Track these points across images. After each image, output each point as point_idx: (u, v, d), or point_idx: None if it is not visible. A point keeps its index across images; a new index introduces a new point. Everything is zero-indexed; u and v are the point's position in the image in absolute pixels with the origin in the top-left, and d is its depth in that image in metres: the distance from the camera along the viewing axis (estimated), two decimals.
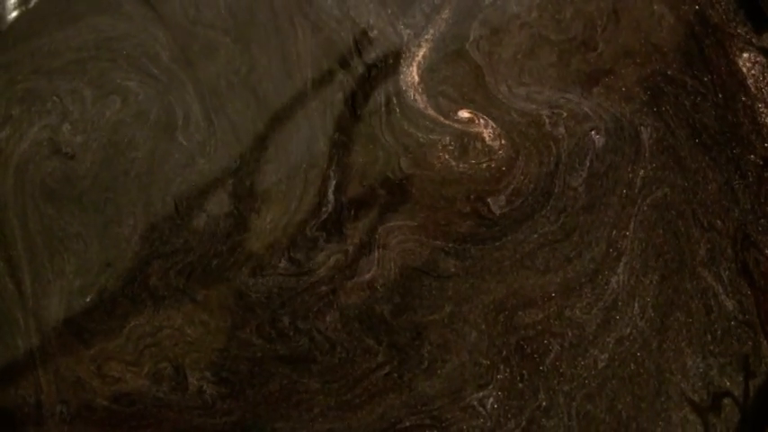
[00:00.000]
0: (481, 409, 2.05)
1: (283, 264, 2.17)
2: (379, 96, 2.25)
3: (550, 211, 2.15)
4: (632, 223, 2.14)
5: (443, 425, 2.05)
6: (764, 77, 2.18)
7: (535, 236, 2.16)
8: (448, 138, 2.23)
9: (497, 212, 2.16)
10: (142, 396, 2.10)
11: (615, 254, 2.13)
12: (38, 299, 2.14)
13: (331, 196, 2.20)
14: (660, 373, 2.04)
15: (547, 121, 2.23)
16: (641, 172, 2.18)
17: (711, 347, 2.05)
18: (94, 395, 2.10)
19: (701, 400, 2.01)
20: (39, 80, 2.27)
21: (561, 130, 2.22)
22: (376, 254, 2.16)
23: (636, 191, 2.17)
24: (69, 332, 2.13)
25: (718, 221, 2.12)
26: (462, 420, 2.05)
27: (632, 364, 2.05)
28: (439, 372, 2.10)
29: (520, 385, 2.07)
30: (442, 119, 2.23)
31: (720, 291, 2.07)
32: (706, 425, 2.00)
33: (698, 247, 2.12)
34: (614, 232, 2.14)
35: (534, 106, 2.24)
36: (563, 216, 2.15)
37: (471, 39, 2.28)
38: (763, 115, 2.15)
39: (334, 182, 2.21)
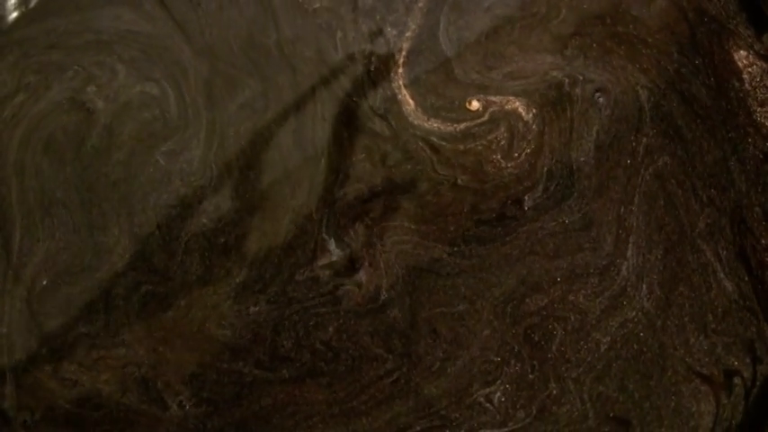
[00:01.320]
0: (488, 404, 2.01)
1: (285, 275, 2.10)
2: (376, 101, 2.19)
3: (576, 200, 2.12)
4: (637, 196, 2.12)
5: (453, 424, 2.01)
6: (762, 80, 2.18)
7: (552, 224, 2.13)
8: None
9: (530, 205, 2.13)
10: (107, 401, 2.02)
11: (624, 235, 2.10)
12: (22, 255, 2.06)
13: (333, 199, 2.14)
14: (663, 350, 2.04)
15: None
16: (644, 140, 2.16)
17: (714, 326, 2.04)
18: (54, 398, 2.01)
19: (711, 374, 2.02)
20: (56, 54, 2.15)
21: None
22: (380, 258, 2.10)
23: (639, 159, 2.15)
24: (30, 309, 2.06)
25: (717, 198, 2.12)
26: (471, 418, 2.01)
27: (635, 344, 2.04)
28: (449, 370, 2.05)
29: (530, 377, 2.04)
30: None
31: (719, 268, 2.07)
32: (718, 396, 1.98)
33: (697, 219, 2.11)
34: (622, 209, 2.12)
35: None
36: (584, 203, 2.12)
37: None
38: (759, 114, 2.15)
39: (335, 185, 2.14)
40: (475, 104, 2.16)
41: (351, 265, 2.11)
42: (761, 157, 2.11)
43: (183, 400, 2.04)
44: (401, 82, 2.17)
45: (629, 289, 2.06)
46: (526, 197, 2.13)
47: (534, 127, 2.16)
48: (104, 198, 2.11)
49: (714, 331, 2.03)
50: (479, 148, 2.15)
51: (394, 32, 2.19)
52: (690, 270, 2.08)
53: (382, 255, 2.10)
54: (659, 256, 2.08)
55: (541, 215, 2.12)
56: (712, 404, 1.99)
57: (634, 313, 2.05)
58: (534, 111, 2.16)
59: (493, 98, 2.17)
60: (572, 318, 2.06)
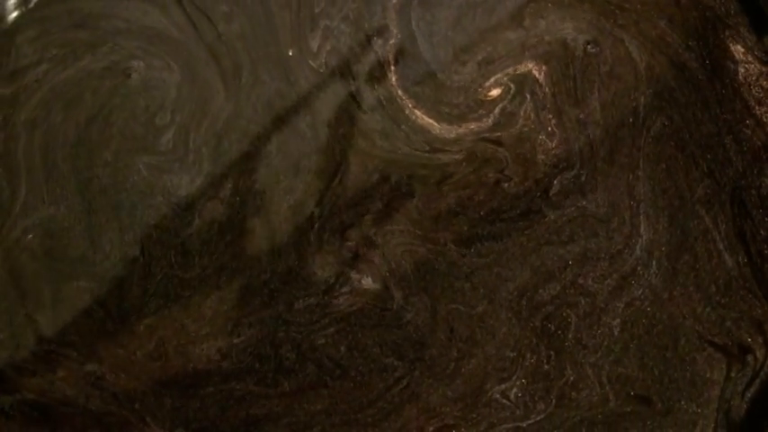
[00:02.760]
0: (505, 400, 1.96)
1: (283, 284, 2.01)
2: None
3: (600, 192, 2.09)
4: (641, 161, 2.09)
5: (470, 423, 1.95)
6: (758, 80, 2.14)
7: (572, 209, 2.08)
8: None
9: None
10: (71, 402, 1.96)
11: (635, 206, 2.07)
12: (27, 209, 2.04)
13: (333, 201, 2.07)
14: (673, 320, 2.01)
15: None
16: (642, 99, 2.14)
17: (718, 298, 2.02)
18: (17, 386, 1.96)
19: (723, 344, 2.00)
20: (83, 33, 2.13)
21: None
22: (387, 261, 2.03)
23: (640, 120, 2.12)
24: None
25: (716, 172, 2.10)
26: (489, 415, 1.96)
27: (644, 320, 2.01)
28: (463, 370, 1.99)
29: (546, 367, 1.98)
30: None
31: (718, 238, 2.05)
32: (730, 365, 1.97)
33: (697, 186, 2.09)
34: (630, 176, 2.09)
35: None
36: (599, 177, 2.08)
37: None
38: (757, 110, 2.12)
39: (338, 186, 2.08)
40: (495, 92, 2.15)
41: (356, 269, 2.04)
42: (759, 144, 2.09)
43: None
44: (403, 102, 2.14)
45: (639, 268, 2.03)
46: (555, 181, 2.08)
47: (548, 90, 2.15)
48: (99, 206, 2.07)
49: (720, 304, 2.02)
50: (526, 130, 2.12)
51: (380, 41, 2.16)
52: (693, 238, 2.06)
53: (387, 255, 2.04)
54: (665, 225, 2.06)
55: (563, 200, 2.08)
56: (724, 372, 1.98)
57: (641, 291, 2.02)
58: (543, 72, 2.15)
59: (506, 71, 2.15)
60: (583, 302, 2.01)
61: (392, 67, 2.14)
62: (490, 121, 2.13)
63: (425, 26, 2.16)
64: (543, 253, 2.05)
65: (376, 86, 2.12)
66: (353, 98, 2.12)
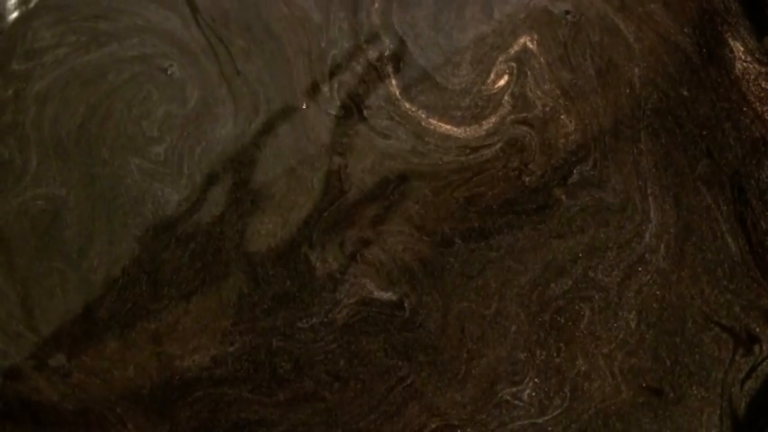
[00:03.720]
0: (517, 401, 1.92)
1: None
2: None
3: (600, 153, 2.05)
4: (642, 134, 2.07)
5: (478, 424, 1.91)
6: (757, 80, 2.11)
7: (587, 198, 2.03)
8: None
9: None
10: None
11: (643, 185, 2.04)
12: (38, 178, 2.00)
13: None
14: (682, 300, 1.99)
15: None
16: (636, 70, 2.11)
17: (725, 283, 2.01)
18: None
19: (730, 326, 1.99)
20: (103, 24, 2.08)
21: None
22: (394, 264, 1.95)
23: (637, 92, 2.10)
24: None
25: (715, 153, 2.07)
26: (500, 415, 1.91)
27: (654, 304, 1.98)
28: (474, 372, 1.93)
29: (557, 360, 1.92)
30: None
31: (720, 219, 2.04)
32: (736, 345, 1.97)
33: (696, 163, 2.06)
34: (635, 150, 2.06)
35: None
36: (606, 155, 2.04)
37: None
38: (757, 106, 2.09)
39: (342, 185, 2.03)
40: (502, 81, 2.10)
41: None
42: (758, 136, 2.08)
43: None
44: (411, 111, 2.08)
45: (647, 255, 2.00)
46: (575, 170, 2.04)
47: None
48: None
49: (727, 289, 2.00)
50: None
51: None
52: (697, 217, 2.03)
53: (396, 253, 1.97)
54: (672, 205, 2.03)
55: (579, 191, 2.03)
56: (731, 352, 1.98)
57: (648, 276, 1.99)
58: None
59: (500, 58, 2.10)
60: (596, 296, 1.97)
61: (393, 81, 2.08)
62: (506, 107, 2.07)
63: (409, 29, 2.10)
64: (554, 246, 2.00)
65: (384, 104, 2.07)
66: (372, 128, 2.06)
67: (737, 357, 1.96)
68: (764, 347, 1.96)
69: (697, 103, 2.10)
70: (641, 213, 2.02)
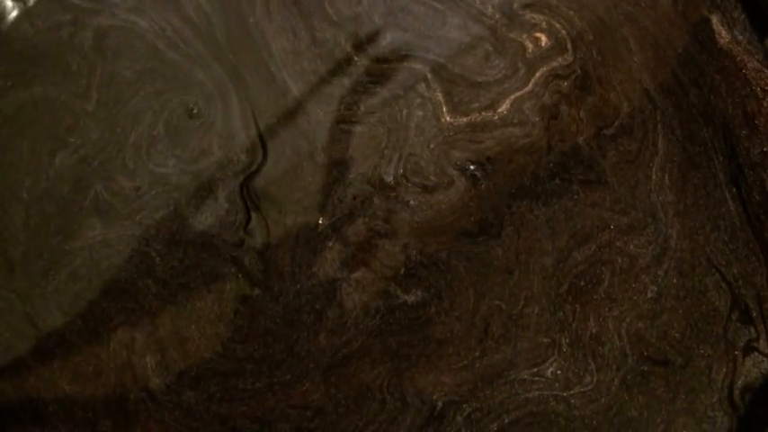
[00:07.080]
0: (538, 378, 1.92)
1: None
2: None
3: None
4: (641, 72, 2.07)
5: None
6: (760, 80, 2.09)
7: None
8: None
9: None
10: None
11: (650, 152, 2.03)
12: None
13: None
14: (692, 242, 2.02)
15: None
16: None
17: (726, 238, 2.04)
18: None
19: (729, 280, 2.01)
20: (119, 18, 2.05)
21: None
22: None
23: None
24: None
25: (714, 139, 2.08)
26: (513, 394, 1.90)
27: (675, 279, 2.00)
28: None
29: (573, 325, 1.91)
30: None
31: (721, 179, 2.06)
32: (733, 301, 2.01)
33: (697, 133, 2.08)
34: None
35: None
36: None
37: None
38: (756, 87, 2.08)
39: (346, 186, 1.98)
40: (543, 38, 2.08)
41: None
42: (750, 111, 2.07)
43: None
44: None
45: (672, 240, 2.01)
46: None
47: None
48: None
49: (727, 246, 2.03)
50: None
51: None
52: (696, 156, 2.05)
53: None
54: (680, 183, 2.04)
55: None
56: (728, 306, 2.00)
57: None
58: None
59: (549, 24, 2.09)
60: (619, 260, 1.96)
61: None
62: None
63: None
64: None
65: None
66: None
67: (733, 317, 2.01)
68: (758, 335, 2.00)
69: (694, 87, 2.10)
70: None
